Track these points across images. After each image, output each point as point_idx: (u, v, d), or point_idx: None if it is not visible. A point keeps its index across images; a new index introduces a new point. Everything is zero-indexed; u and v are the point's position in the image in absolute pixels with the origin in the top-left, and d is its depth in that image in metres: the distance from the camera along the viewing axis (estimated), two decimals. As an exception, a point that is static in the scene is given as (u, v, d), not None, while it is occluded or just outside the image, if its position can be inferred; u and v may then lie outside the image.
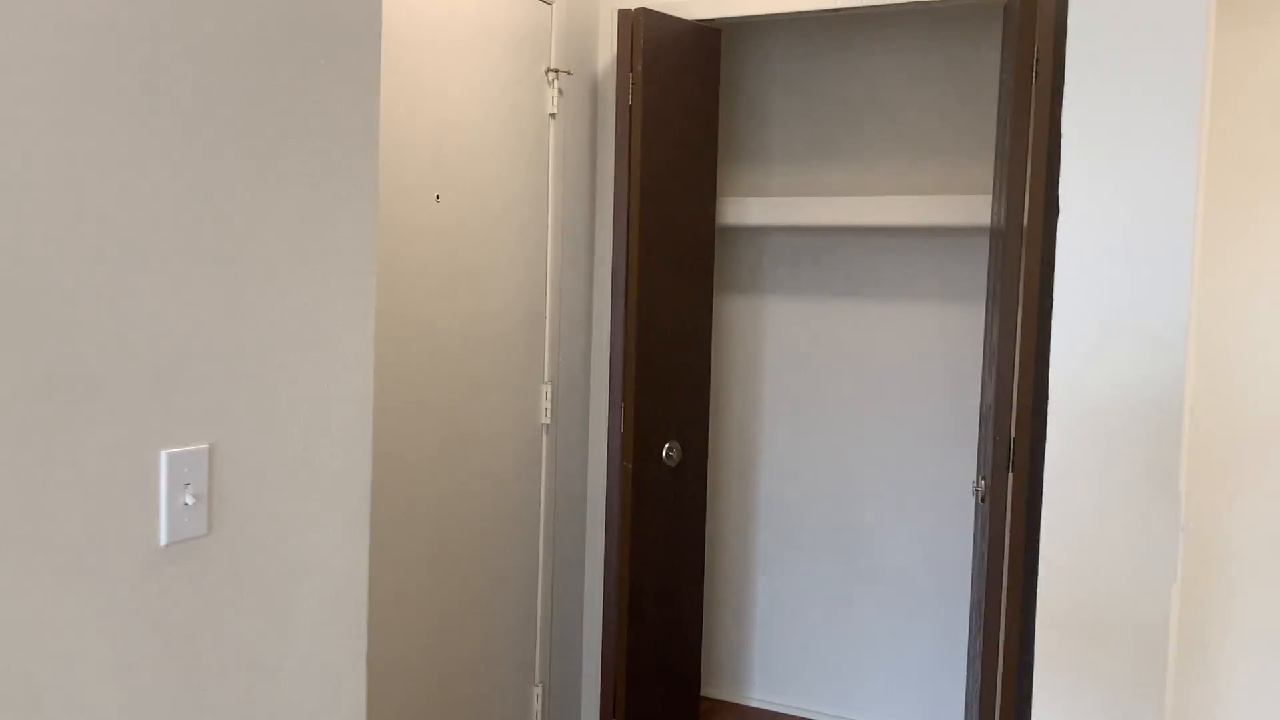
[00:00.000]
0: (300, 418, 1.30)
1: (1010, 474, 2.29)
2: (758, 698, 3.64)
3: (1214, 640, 2.50)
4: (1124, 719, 1.23)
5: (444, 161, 2.38)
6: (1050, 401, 1.28)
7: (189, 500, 1.15)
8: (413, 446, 2.36)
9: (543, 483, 2.85)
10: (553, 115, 2.76)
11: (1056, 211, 2.39)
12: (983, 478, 2.45)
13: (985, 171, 3.15)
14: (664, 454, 2.82)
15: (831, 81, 3.35)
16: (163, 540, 1.12)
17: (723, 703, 3.66)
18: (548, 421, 2.84)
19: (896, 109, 3.27)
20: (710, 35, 2.86)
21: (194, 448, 1.15)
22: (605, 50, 2.96)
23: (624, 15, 2.66)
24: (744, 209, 3.28)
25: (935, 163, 3.23)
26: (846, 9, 2.68)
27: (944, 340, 3.29)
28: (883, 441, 3.40)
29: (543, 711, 2.87)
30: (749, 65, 3.45)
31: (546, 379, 2.83)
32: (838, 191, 3.35)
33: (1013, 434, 2.28)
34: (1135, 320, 1.25)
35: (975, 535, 2.61)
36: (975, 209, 2.96)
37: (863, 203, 3.14)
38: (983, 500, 2.45)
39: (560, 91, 2.76)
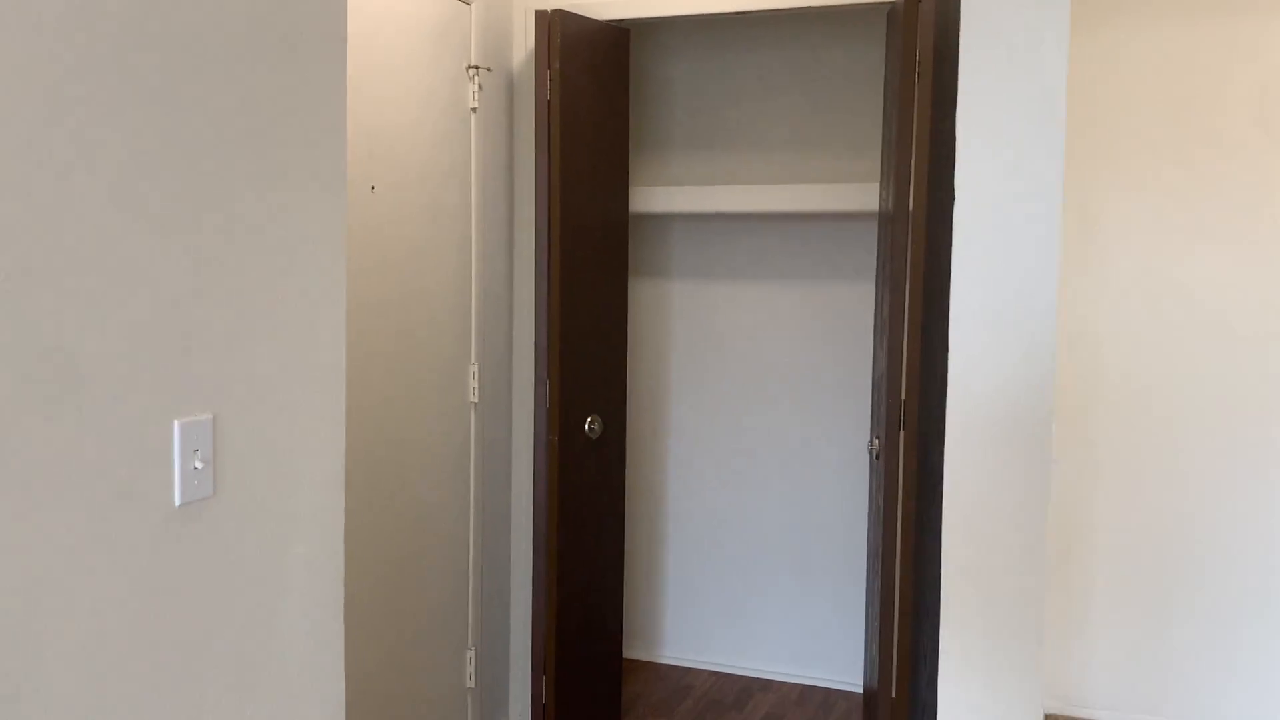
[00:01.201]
0: (286, 391, 1.41)
1: (902, 432, 2.53)
2: (670, 656, 3.84)
3: (1080, 537, 2.81)
4: (1010, 604, 1.45)
5: (378, 154, 2.48)
6: (949, 377, 1.49)
7: (198, 465, 1.26)
8: (350, 424, 2.45)
9: (472, 457, 2.97)
10: (474, 109, 2.88)
11: (939, 198, 2.63)
12: (876, 437, 2.69)
13: (874, 161, 3.39)
14: (586, 427, 2.98)
15: (731, 77, 3.54)
16: (177, 501, 1.23)
17: (638, 662, 3.85)
18: (475, 400, 2.96)
19: (792, 102, 3.49)
20: (620, 34, 3.01)
21: (201, 417, 1.26)
22: (520, 47, 3.08)
23: (541, 16, 2.79)
24: (650, 197, 3.45)
25: (827, 153, 3.46)
26: (745, 11, 2.87)
27: (837, 317, 3.54)
28: (783, 411, 3.63)
29: (476, 673, 3.00)
30: (654, 61, 3.62)
31: (474, 359, 2.95)
32: (738, 180, 3.55)
33: (903, 396, 2.52)
34: (1016, 310, 1.47)
35: (870, 491, 2.85)
36: (865, 196, 3.20)
37: (761, 191, 3.34)
38: (877, 458, 2.68)
39: (480, 87, 2.88)
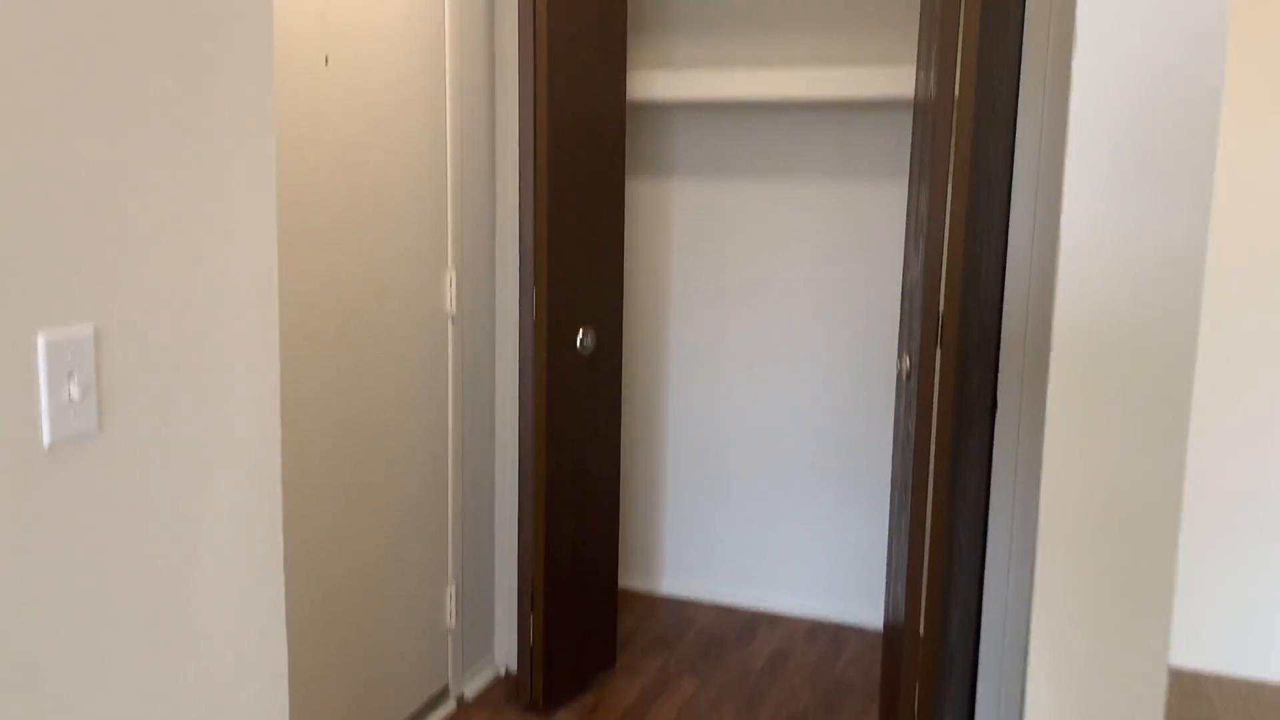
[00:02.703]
0: (198, 294, 1.13)
1: (939, 349, 2.26)
2: (669, 587, 3.65)
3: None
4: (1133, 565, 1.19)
5: (332, 19, 2.15)
6: (1060, 258, 1.19)
7: (74, 393, 0.99)
8: (309, 338, 2.18)
9: (449, 375, 2.71)
10: (447, -27, 2.54)
11: (990, 82, 2.32)
12: (907, 354, 2.43)
13: (901, 41, 3.06)
14: (578, 341, 2.71)
15: (741, -56, 3.18)
16: (46, 440, 0.97)
17: (634, 593, 3.66)
18: (453, 311, 2.68)
19: (810, -26, 3.13)
20: (618, -114, 2.65)
21: (77, 330, 0.99)
22: (501, -98, 2.73)
23: None
24: (650, 82, 3.12)
25: (852, 32, 3.12)
26: None
27: (861, 219, 3.25)
28: (797, 325, 3.37)
29: (457, 612, 2.79)
30: (653, -74, 3.25)
31: (450, 265, 2.66)
32: (748, 64, 3.22)
33: (941, 308, 2.25)
34: (1158, 165, 1.15)
35: (897, 414, 2.60)
36: (897, 80, 2.88)
37: (775, 75, 3.02)
38: (907, 378, 2.43)
39: (455, -54, 2.53)
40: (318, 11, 2.11)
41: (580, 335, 2.71)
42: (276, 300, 1.27)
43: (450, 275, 2.66)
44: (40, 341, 0.95)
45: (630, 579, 3.70)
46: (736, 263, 3.40)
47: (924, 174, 2.34)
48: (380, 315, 2.41)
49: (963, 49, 2.17)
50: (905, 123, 3.13)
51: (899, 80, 2.87)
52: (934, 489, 2.32)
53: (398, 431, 2.52)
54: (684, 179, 3.40)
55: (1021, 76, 2.34)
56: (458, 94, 2.62)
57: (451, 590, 2.77)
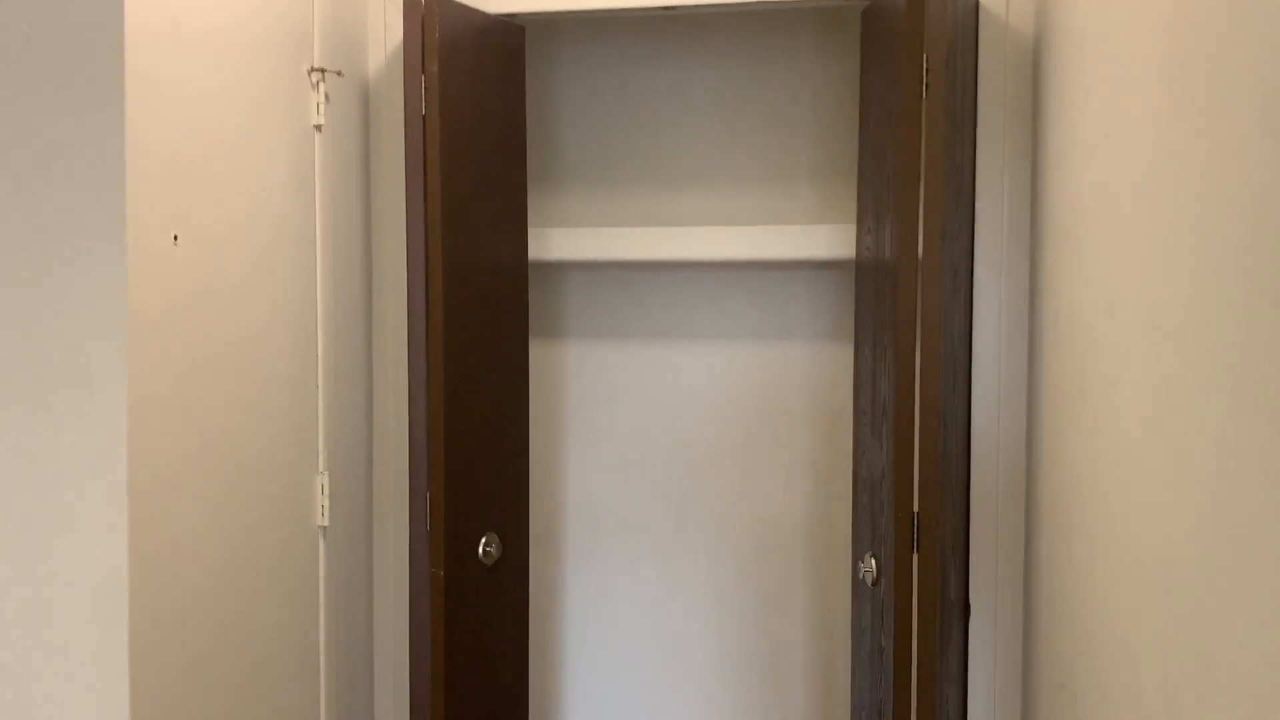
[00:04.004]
0: (21, 628, 0.77)
1: (915, 554, 2.03)
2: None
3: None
4: None
5: (182, 192, 1.81)
6: None
7: None
8: (154, 572, 1.76)
9: (321, 603, 2.30)
10: (318, 127, 2.24)
11: (955, 246, 2.17)
12: (873, 556, 2.19)
13: (826, 196, 2.91)
14: (480, 551, 2.36)
15: (638, 94, 3.01)
16: None
17: (536, 825, 3.20)
18: (325, 523, 2.29)
19: (719, 125, 2.97)
20: (514, 32, 2.44)
21: None
22: (376, 46, 2.47)
23: (412, 4, 2.18)
24: (544, 241, 2.87)
25: (767, 187, 2.97)
26: (679, 7, 2.36)
27: (790, 385, 3.02)
28: (717, 516, 3.08)
29: None
30: (539, 73, 3.05)
31: (321, 468, 2.28)
32: (649, 220, 3.02)
33: (916, 508, 2.02)
34: None
35: (858, 625, 2.34)
36: (820, 239, 2.71)
37: (683, 234, 2.82)
38: (874, 584, 2.18)
39: (326, 97, 2.25)
40: (165, 183, 1.76)
41: (483, 543, 2.36)
42: (126, 616, 0.91)
43: (322, 479, 2.28)
44: None
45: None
46: (645, 435, 3.12)
47: (880, 353, 2.15)
48: (236, 533, 2.00)
49: (925, 209, 2.00)
50: (831, 280, 2.96)
51: (826, 239, 2.71)
52: (918, 714, 2.05)
53: (258, 676, 2.08)
54: (579, 340, 3.13)
55: (976, 250, 2.20)
56: (330, 267, 2.29)
57: None
